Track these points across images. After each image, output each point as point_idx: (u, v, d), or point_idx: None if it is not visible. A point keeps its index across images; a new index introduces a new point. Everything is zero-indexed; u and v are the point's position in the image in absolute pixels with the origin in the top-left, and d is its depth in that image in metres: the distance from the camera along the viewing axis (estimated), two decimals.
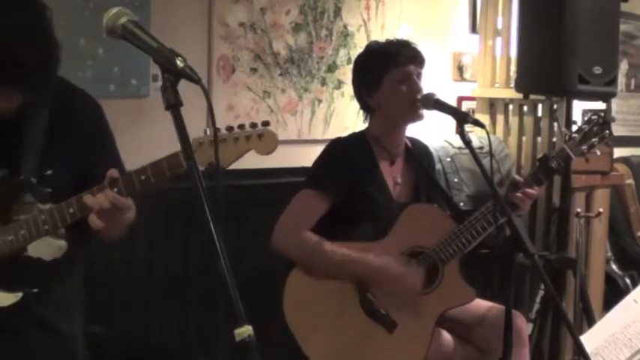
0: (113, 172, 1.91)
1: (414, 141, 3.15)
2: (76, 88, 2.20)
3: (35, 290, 2.04)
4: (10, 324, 2.04)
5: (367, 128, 3.07)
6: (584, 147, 2.92)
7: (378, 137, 3.01)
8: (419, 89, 2.91)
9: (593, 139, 2.92)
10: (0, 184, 2.02)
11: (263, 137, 1.86)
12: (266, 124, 1.87)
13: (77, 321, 2.27)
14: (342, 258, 2.81)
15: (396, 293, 2.82)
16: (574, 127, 3.01)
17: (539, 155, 4.02)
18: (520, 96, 4.04)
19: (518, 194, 2.84)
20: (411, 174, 3.08)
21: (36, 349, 2.11)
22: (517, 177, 2.91)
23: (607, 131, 2.93)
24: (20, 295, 2.02)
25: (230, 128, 1.86)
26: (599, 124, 2.93)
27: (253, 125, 1.86)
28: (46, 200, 2.02)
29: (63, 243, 2.04)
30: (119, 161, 2.21)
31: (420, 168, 3.10)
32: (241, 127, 1.86)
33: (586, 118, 3.01)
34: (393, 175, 3.02)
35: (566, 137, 2.97)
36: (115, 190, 1.90)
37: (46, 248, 2.03)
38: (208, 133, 1.86)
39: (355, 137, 3.06)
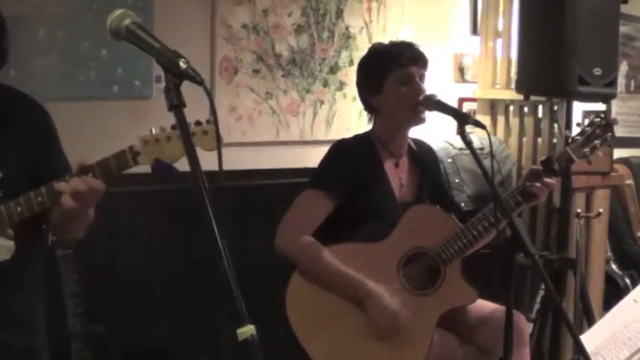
0: (84, 161, 1.93)
1: (418, 142, 3.17)
2: (22, 94, 2.18)
3: None
4: None
5: (371, 129, 3.08)
6: (586, 149, 2.92)
7: (382, 138, 3.02)
8: (421, 91, 2.92)
9: (596, 142, 2.92)
10: None
11: (208, 134, 1.88)
12: (209, 122, 1.89)
13: (38, 337, 2.20)
14: (338, 274, 2.81)
15: (377, 322, 2.80)
16: (576, 129, 3.02)
17: (540, 156, 4.06)
18: (521, 97, 4.05)
19: (537, 184, 2.85)
20: (416, 175, 3.09)
21: None
22: (535, 167, 2.91)
23: (609, 133, 2.94)
24: None
25: (174, 127, 1.88)
26: (602, 126, 2.93)
27: (198, 123, 1.88)
28: None
29: (11, 244, 1.98)
30: (67, 165, 2.17)
31: (425, 169, 3.12)
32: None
33: (588, 121, 3.01)
34: (399, 176, 3.03)
35: (569, 140, 2.97)
36: (90, 175, 1.92)
37: None
38: (154, 131, 1.90)
39: (360, 138, 3.07)
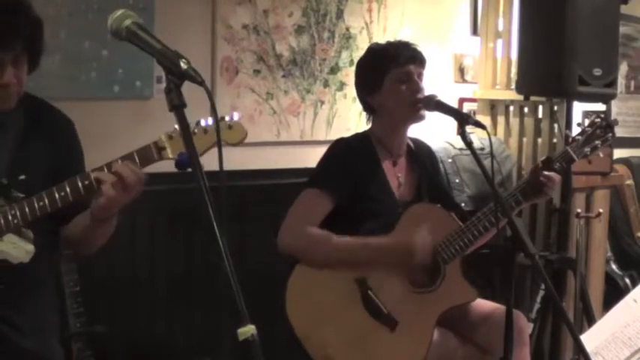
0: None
1: (416, 142, 3.17)
2: (51, 106, 2.22)
3: (1, 286, 2.01)
4: None
5: (370, 129, 3.09)
6: (586, 149, 2.92)
7: (381, 137, 3.03)
8: (420, 89, 2.93)
9: (596, 142, 2.92)
10: None
11: (232, 128, 2.00)
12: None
13: (54, 341, 2.22)
14: (354, 244, 2.84)
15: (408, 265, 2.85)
16: (577, 129, 3.02)
17: (540, 156, 4.06)
18: (521, 97, 4.05)
19: (542, 179, 2.85)
20: (414, 174, 3.10)
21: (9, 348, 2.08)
22: (539, 164, 2.91)
23: (610, 134, 2.94)
24: None
25: (198, 123, 1.95)
26: (602, 126, 2.93)
27: (222, 119, 1.97)
28: None
29: (31, 247, 2.00)
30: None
31: (423, 168, 3.12)
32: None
33: (588, 121, 3.01)
34: (397, 175, 3.04)
35: (569, 140, 2.97)
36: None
37: (13, 250, 1.99)
38: (177, 128, 1.93)
39: (358, 137, 3.08)
